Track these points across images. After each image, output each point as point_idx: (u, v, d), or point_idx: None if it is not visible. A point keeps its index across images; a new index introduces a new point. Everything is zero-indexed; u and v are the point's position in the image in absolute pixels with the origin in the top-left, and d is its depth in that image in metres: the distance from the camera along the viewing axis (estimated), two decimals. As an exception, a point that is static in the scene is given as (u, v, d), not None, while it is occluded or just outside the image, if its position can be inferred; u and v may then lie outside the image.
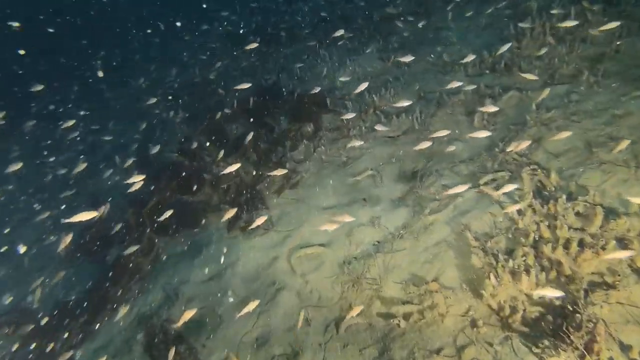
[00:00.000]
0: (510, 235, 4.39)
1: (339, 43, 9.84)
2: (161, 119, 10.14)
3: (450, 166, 5.81)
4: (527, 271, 3.85)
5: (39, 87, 8.96)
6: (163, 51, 14.73)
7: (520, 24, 7.09)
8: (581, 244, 3.83)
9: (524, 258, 4.02)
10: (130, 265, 6.56)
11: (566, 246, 3.88)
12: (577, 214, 4.19)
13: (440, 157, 6.03)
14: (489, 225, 4.64)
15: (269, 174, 6.76)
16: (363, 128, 6.90)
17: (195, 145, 7.93)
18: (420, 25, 9.10)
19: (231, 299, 5.44)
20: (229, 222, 6.61)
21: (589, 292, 3.54)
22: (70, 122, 8.02)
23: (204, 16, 15.88)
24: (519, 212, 4.51)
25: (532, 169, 4.94)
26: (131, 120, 10.44)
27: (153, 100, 8.75)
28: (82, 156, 11.19)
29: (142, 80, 12.54)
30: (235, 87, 8.76)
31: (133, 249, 6.42)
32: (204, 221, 6.89)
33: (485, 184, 5.18)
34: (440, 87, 7.13)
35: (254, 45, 7.77)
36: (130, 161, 7.88)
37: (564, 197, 4.33)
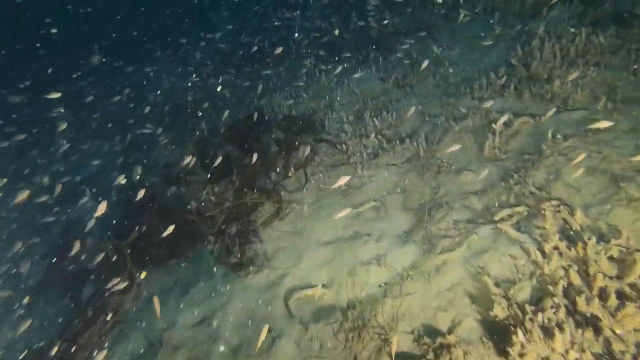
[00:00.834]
0: (535, 282, 3.99)
1: (335, 62, 9.52)
2: (144, 139, 9.66)
3: (461, 198, 5.43)
4: (560, 327, 3.44)
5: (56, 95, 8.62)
6: (152, 66, 14.25)
7: (530, 45, 6.84)
8: (620, 295, 3.44)
9: (553, 310, 3.61)
10: (108, 304, 6.01)
11: (603, 298, 3.49)
12: (611, 258, 3.82)
13: (449, 187, 5.65)
14: (510, 269, 4.24)
15: (260, 201, 6.32)
16: (364, 154, 6.51)
17: (180, 169, 7.47)
18: (420, 44, 8.84)
19: (222, 348, 4.94)
20: (219, 257, 6.13)
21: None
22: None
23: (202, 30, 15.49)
24: (544, 254, 4.12)
25: (554, 205, 4.57)
26: (112, 140, 9.89)
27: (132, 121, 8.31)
28: (62, 178, 10.62)
29: (126, 95, 12.04)
30: (224, 109, 8.40)
31: (111, 285, 5.89)
32: (191, 255, 6.39)
33: (502, 219, 4.80)
34: (445, 110, 6.81)
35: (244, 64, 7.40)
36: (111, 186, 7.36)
37: (594, 238, 3.96)
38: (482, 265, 4.41)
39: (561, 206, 4.53)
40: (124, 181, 6.77)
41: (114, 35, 17.01)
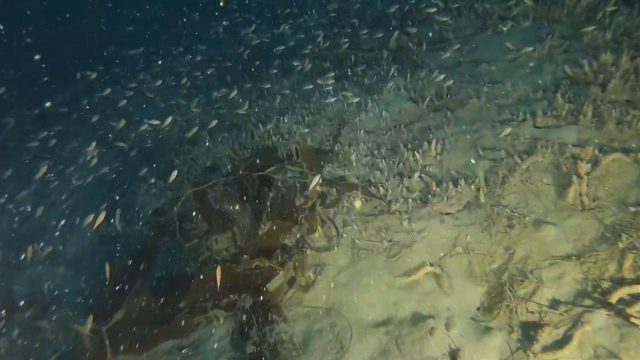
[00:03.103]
0: None
1: (353, 77, 8.39)
2: (122, 175, 8.35)
3: (549, 265, 4.32)
4: None
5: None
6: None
7: (597, 59, 5.81)
8: None
9: None
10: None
11: None
12: None
13: (528, 248, 4.55)
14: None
15: (277, 267, 5.13)
16: (409, 200, 5.36)
17: (171, 218, 6.22)
18: (452, 57, 7.77)
19: None
20: (231, 340, 4.91)
21: None
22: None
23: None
24: None
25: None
26: (85, 179, 8.52)
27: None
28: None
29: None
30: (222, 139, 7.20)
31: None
32: (193, 336, 5.15)
33: (622, 303, 3.69)
34: (503, 141, 5.71)
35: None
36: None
37: None
38: (611, 375, 3.30)
39: None
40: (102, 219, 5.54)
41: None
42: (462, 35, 8.43)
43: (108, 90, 10.47)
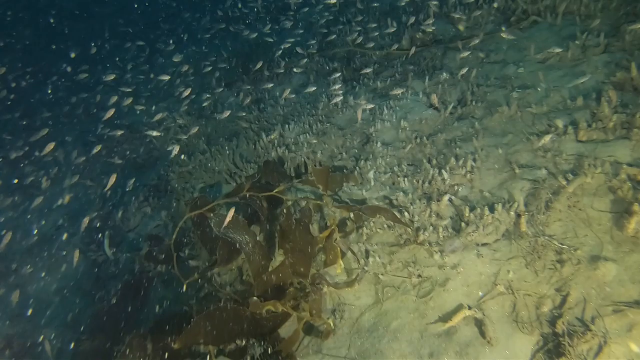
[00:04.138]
0: None
1: (363, 79, 7.73)
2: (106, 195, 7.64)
3: (612, 311, 3.75)
4: None
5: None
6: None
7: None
8: None
9: None
10: None
11: None
12: None
13: (584, 289, 3.97)
14: None
15: (290, 311, 4.53)
16: (439, 229, 4.75)
17: (167, 246, 5.59)
18: (473, 56, 7.13)
19: None
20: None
21: None
22: None
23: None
24: None
25: None
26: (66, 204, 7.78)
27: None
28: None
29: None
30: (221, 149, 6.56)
31: None
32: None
33: None
34: (541, 157, 5.11)
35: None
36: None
37: None
38: None
39: None
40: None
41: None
42: (483, 32, 7.77)
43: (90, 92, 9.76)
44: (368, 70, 7.74)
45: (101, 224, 6.99)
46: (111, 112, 7.31)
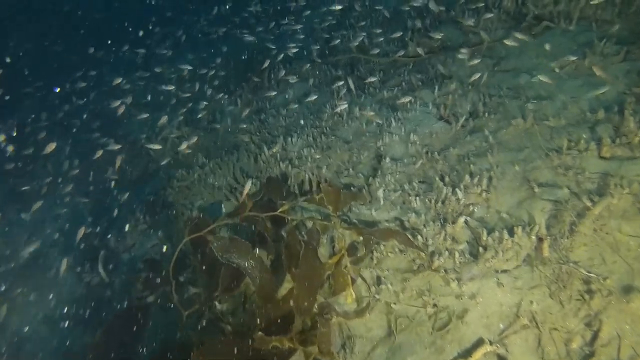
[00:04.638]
0: None
1: (368, 88, 7.45)
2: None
3: (650, 352, 3.46)
4: None
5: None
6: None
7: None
8: None
9: None
10: None
11: None
12: None
13: (617, 323, 3.68)
14: None
15: (298, 346, 4.25)
16: (455, 254, 4.46)
17: (165, 271, 5.28)
18: (483, 64, 6.85)
19: None
20: None
21: None
22: None
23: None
24: None
25: None
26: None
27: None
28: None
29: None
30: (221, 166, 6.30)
31: None
32: None
33: None
34: (562, 175, 4.82)
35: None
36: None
37: None
38: None
39: None
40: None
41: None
42: (493, 38, 7.49)
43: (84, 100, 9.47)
44: (373, 79, 7.45)
45: (96, 243, 6.68)
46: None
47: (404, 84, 7.21)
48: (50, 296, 6.22)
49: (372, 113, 6.40)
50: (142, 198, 7.36)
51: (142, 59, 12.01)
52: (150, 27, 12.95)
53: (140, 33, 11.62)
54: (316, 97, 7.44)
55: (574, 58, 6.08)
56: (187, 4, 14.97)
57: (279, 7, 11.77)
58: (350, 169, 5.96)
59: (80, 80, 9.91)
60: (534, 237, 4.39)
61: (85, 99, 11.24)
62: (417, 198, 5.20)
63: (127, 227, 6.60)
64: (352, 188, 5.62)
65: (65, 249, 7.44)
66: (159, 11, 14.90)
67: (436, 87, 6.71)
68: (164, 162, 7.57)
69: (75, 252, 6.71)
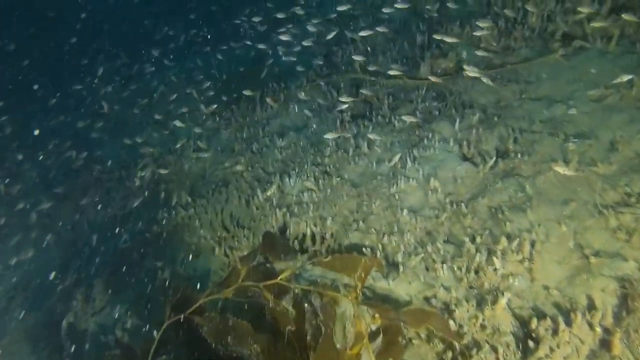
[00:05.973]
0: None
1: (376, 119, 6.56)
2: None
3: None
4: None
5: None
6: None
7: None
8: None
9: None
10: None
11: None
12: None
13: None
14: None
15: None
16: (499, 347, 3.58)
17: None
18: (508, 91, 6.00)
19: None
20: None
21: None
22: None
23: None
24: None
25: None
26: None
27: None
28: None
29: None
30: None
31: None
32: None
33: None
34: (627, 246, 3.96)
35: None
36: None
37: None
38: None
39: None
40: None
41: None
42: (516, 59, 6.63)
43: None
44: (382, 105, 6.56)
45: (60, 304, 5.73)
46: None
47: (417, 112, 6.29)
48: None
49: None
50: (116, 244, 6.41)
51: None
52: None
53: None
54: (316, 126, 6.56)
55: (628, 78, 5.19)
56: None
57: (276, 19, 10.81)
58: (360, 222, 5.05)
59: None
60: (598, 329, 3.53)
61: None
62: (444, 265, 4.31)
63: (97, 285, 5.64)
64: (364, 249, 4.71)
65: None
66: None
67: (457, 120, 5.81)
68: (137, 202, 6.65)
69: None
